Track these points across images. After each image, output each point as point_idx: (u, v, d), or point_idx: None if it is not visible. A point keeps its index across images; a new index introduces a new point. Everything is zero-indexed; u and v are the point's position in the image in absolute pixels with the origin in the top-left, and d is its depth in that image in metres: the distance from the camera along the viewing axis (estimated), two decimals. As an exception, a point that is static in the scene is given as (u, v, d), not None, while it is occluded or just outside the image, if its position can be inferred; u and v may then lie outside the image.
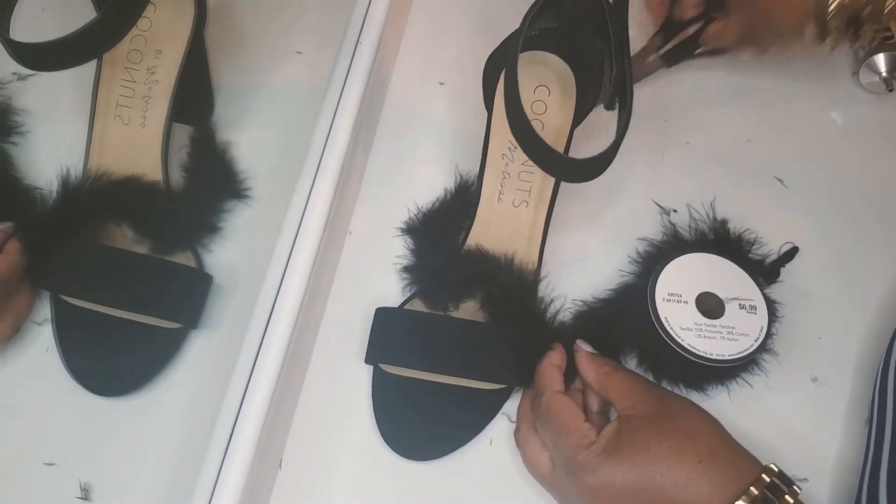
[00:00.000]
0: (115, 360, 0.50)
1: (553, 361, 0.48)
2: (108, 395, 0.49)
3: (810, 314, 0.54)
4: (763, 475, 0.41)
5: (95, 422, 0.49)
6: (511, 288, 0.50)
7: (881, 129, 0.62)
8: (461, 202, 0.55)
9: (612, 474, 0.42)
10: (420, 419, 0.49)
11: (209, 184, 0.55)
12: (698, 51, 0.61)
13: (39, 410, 0.49)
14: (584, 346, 0.49)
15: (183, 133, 0.57)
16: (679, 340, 0.48)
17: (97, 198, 0.52)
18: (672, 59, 0.61)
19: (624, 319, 0.51)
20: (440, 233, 0.54)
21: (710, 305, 0.49)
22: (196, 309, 0.51)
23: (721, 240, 0.53)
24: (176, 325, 0.50)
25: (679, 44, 0.61)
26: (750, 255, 0.53)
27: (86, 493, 0.47)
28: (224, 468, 0.42)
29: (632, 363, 0.52)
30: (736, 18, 0.57)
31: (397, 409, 0.50)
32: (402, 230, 0.55)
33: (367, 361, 0.51)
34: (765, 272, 0.52)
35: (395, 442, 0.49)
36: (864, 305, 0.55)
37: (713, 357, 0.47)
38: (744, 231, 0.54)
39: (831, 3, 0.50)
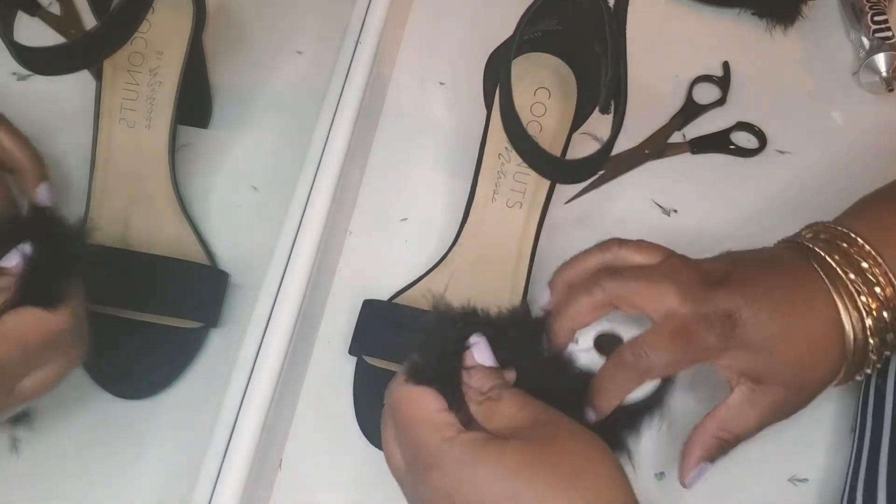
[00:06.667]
0: (140, 362, 0.50)
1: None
2: (136, 398, 0.49)
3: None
4: None
5: (94, 421, 0.49)
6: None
7: (881, 129, 0.62)
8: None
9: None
10: None
11: None
12: None
13: (38, 408, 0.49)
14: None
15: (182, 134, 0.57)
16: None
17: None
18: (700, 148, 0.60)
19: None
20: None
21: (613, 347, 0.41)
22: (215, 307, 0.51)
23: None
24: (196, 325, 0.51)
25: (710, 135, 0.60)
26: None
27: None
28: (224, 468, 0.42)
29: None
30: (771, 389, 0.40)
31: (376, 400, 0.50)
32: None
33: (350, 352, 0.51)
34: None
35: (371, 433, 0.49)
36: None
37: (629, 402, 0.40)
38: None
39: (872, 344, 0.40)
